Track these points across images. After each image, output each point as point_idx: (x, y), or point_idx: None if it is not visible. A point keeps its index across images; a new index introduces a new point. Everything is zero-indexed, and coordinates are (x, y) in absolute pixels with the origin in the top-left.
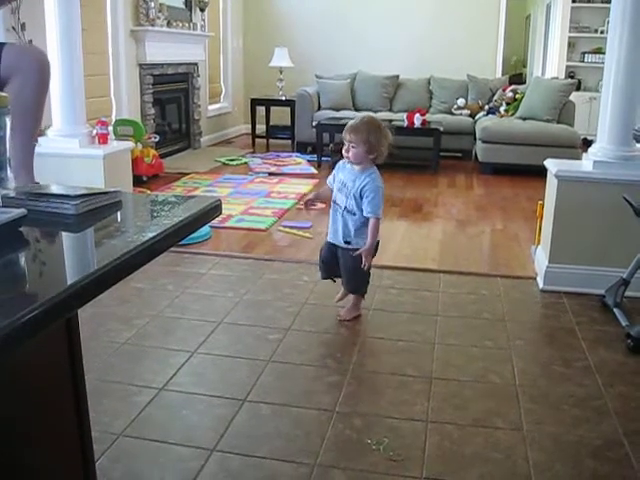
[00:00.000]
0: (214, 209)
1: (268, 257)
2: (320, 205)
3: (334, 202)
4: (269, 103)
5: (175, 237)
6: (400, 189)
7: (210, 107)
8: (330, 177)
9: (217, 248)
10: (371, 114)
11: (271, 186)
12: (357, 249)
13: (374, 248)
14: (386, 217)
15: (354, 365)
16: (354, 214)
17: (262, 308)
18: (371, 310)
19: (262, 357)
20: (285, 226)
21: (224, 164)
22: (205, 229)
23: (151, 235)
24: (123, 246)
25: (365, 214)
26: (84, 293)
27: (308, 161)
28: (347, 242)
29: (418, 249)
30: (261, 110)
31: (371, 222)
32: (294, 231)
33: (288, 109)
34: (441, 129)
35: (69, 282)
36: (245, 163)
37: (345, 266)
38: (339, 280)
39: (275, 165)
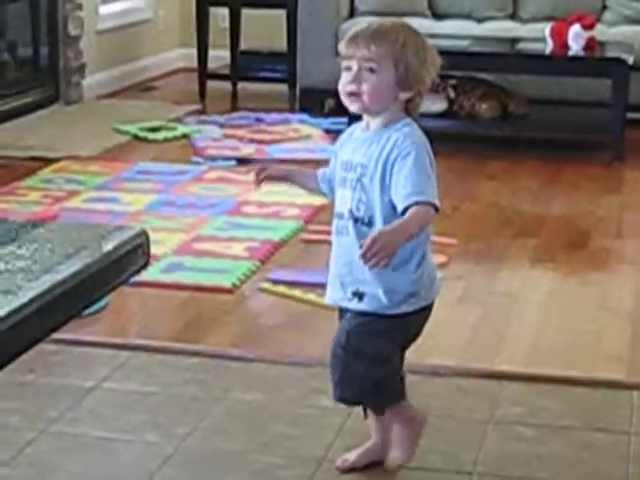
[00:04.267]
0: (132, 255)
1: (238, 353)
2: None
3: (336, 217)
4: (238, 1)
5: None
6: (537, 198)
7: (104, 9)
8: (330, 166)
9: (121, 332)
10: (468, 29)
11: (244, 189)
12: (376, 316)
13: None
14: (506, 262)
15: None
16: (369, 225)
17: (226, 470)
18: (475, 475)
19: None
20: (277, 281)
21: (136, 138)
22: None
23: None
24: None
25: (403, 203)
26: None
27: (327, 132)
28: (358, 295)
29: (581, 336)
30: (220, 16)
31: (417, 219)
32: (298, 293)
33: (282, 14)
34: (630, 60)
35: None
36: (184, 137)
37: (338, 336)
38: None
39: (252, 142)
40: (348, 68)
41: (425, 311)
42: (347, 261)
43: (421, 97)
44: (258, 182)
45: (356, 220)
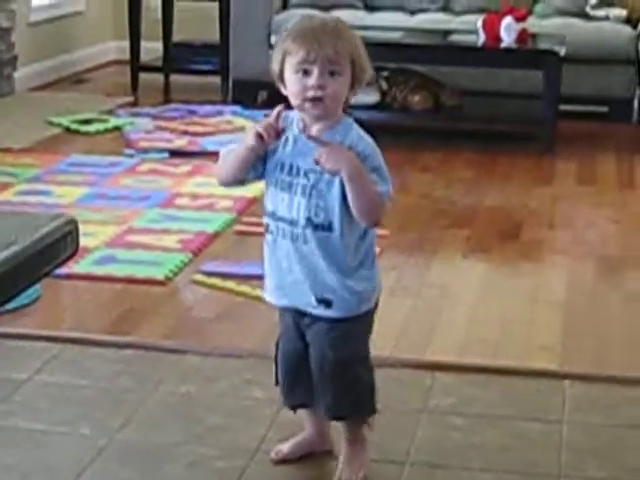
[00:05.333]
0: (61, 243)
1: (171, 345)
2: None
3: (271, 216)
4: None
5: None
6: (471, 189)
7: (36, 1)
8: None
9: (53, 324)
10: (401, 21)
11: (176, 182)
12: (352, 316)
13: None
14: (439, 253)
15: None
16: (329, 229)
17: (159, 462)
18: (407, 464)
19: None
20: (211, 273)
21: (68, 131)
22: None
23: None
24: None
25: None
26: None
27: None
28: (323, 301)
29: (514, 326)
30: (153, 7)
31: (373, 190)
32: (231, 284)
33: (214, 5)
34: (562, 52)
35: None
36: (116, 129)
37: (319, 356)
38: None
39: (185, 134)
40: (305, 71)
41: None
42: (309, 269)
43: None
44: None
45: (316, 227)
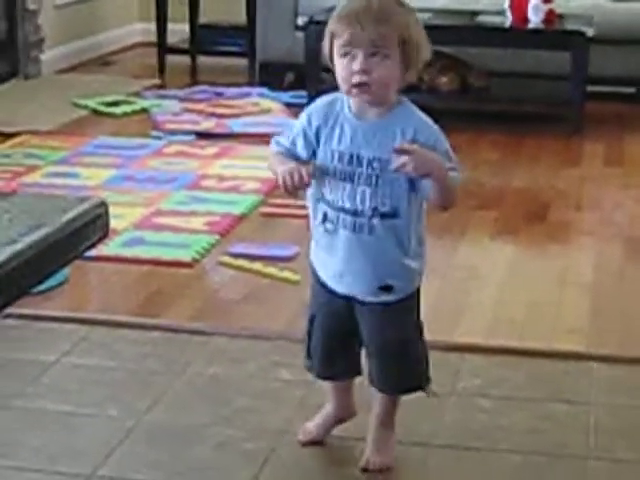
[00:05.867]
0: (91, 227)
1: (198, 327)
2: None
3: (331, 206)
4: None
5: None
6: (497, 171)
7: None
8: (293, 138)
9: (81, 306)
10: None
11: (203, 164)
12: (408, 297)
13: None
14: (467, 235)
15: None
16: (395, 216)
17: (186, 444)
18: (433, 447)
19: None
20: (238, 255)
21: (95, 113)
22: None
23: None
24: None
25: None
26: None
27: (287, 105)
28: (385, 288)
29: (541, 308)
30: None
31: (448, 175)
32: (258, 266)
33: None
34: (590, 33)
35: None
36: (143, 111)
37: (380, 338)
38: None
39: (212, 116)
40: (350, 55)
41: None
42: (373, 258)
43: (415, 74)
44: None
45: (382, 216)
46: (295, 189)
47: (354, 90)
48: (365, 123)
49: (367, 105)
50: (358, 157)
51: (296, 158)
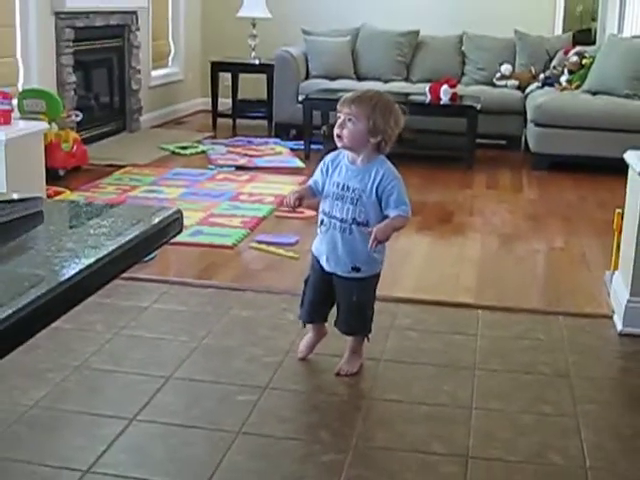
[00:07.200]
0: (172, 225)
1: (236, 285)
2: (309, 212)
3: (327, 215)
4: (237, 68)
5: (118, 265)
6: (420, 191)
7: (154, 73)
8: (316, 176)
9: (164, 272)
10: (378, 88)
11: (239, 185)
12: (370, 277)
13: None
14: (402, 232)
15: (358, 439)
16: (366, 225)
17: (228, 358)
18: (381, 361)
19: (228, 427)
20: (260, 241)
21: (173, 153)
22: None
23: (87, 263)
24: (48, 281)
25: (393, 213)
26: None
27: (292, 150)
28: (355, 269)
29: (447, 276)
30: (226, 78)
31: (399, 221)
32: (273, 249)
33: (264, 77)
34: (478, 107)
35: None
36: (203, 152)
37: (347, 299)
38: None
39: (245, 156)
40: (339, 118)
41: None
42: (349, 249)
43: (386, 143)
44: (294, 207)
45: (358, 223)
46: (289, 205)
47: (335, 138)
48: (354, 166)
49: (355, 155)
50: (347, 186)
51: (317, 188)
